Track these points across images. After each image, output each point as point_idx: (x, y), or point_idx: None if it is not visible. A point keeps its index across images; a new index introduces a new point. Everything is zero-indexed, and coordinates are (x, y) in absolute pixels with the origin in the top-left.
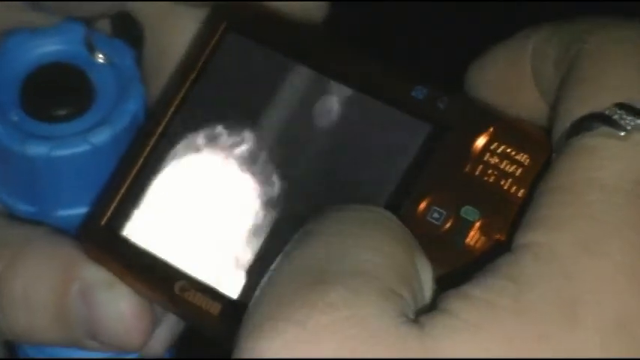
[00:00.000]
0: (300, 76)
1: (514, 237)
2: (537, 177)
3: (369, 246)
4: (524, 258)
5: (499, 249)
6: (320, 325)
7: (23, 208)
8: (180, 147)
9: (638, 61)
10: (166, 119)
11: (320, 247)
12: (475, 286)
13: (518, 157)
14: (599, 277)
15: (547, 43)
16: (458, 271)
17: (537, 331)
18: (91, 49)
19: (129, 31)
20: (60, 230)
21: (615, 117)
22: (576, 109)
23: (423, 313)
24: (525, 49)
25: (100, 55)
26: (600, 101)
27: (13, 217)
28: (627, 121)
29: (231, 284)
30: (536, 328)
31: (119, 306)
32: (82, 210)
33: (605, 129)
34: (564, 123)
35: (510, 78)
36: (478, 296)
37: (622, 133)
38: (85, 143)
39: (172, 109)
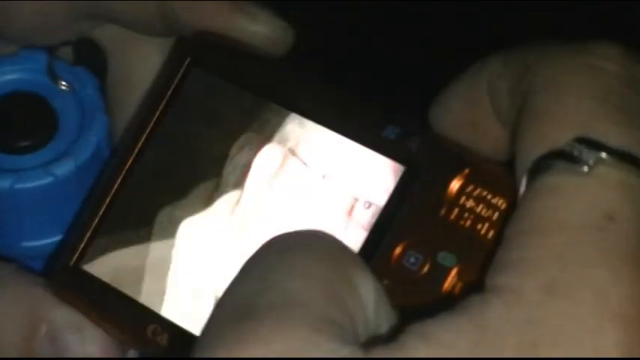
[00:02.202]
0: (267, 113)
1: (485, 278)
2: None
3: (295, 274)
4: (490, 301)
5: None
6: None
7: None
8: (148, 184)
9: (595, 90)
10: (133, 156)
11: (251, 281)
12: (438, 324)
13: (494, 201)
14: (565, 320)
15: (500, 76)
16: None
17: None
18: (54, 77)
19: (92, 58)
20: (27, 268)
21: (575, 153)
22: (535, 146)
23: (381, 341)
24: (480, 83)
25: (63, 83)
26: (559, 136)
27: None
28: (588, 156)
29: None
30: None
31: (88, 349)
32: (45, 241)
33: (566, 165)
34: (525, 162)
35: (471, 113)
36: (438, 336)
37: (585, 169)
38: (48, 175)
39: (140, 144)
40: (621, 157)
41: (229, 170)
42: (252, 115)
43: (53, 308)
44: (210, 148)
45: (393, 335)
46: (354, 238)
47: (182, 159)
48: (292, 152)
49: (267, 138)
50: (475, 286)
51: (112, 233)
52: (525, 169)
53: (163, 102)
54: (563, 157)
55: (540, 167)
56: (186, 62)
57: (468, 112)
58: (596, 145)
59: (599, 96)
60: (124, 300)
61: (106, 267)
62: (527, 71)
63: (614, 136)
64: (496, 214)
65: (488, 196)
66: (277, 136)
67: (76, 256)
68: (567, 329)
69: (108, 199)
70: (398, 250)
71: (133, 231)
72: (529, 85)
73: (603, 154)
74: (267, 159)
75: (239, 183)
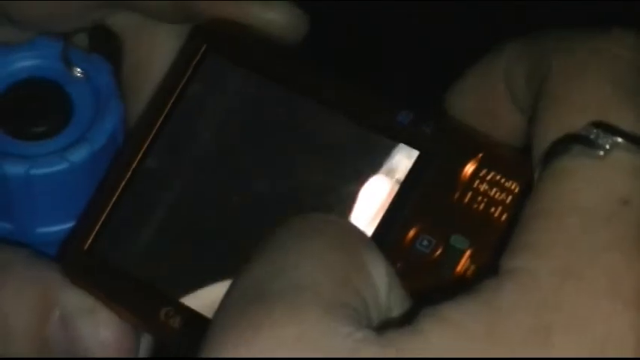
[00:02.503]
0: (282, 100)
1: (500, 261)
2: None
3: (308, 257)
4: (505, 284)
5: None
6: (269, 345)
7: (0, 226)
8: (162, 170)
9: (611, 75)
10: (148, 141)
11: (263, 265)
12: (454, 307)
13: (507, 185)
14: (579, 303)
15: (517, 62)
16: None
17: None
18: (68, 64)
19: (106, 45)
20: (40, 253)
21: (592, 137)
22: (552, 130)
23: (394, 324)
24: (497, 69)
25: (78, 70)
26: (575, 120)
27: None
28: (604, 140)
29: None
30: (508, 354)
31: (100, 333)
32: (59, 228)
33: (582, 149)
34: (541, 146)
35: (488, 100)
36: (453, 319)
37: (600, 153)
38: (63, 162)
39: (154, 130)
40: (637, 142)
41: (245, 158)
42: (267, 103)
43: (66, 292)
44: (224, 134)
45: (406, 318)
46: (367, 222)
47: (197, 145)
48: (306, 139)
49: (283, 125)
50: (489, 269)
51: (126, 218)
52: (541, 153)
53: (179, 88)
54: (579, 141)
55: (556, 151)
56: (202, 49)
57: (485, 100)
58: (612, 130)
59: (615, 81)
60: (136, 283)
61: (118, 250)
62: (544, 57)
63: (630, 122)
64: (509, 198)
65: (502, 180)
66: (292, 123)
67: (89, 240)
68: (581, 313)
69: (122, 184)
70: (411, 234)
71: (147, 215)
72: (546, 70)
73: (619, 139)
74: (282, 146)
75: (254, 170)
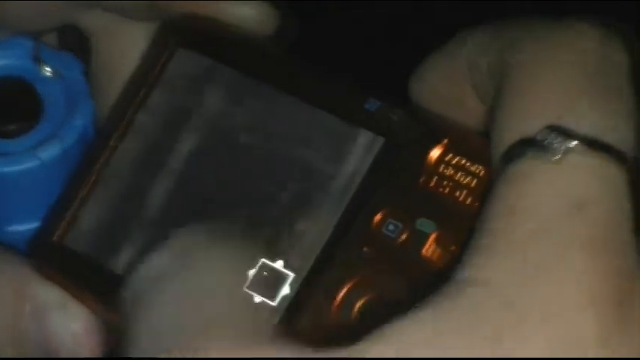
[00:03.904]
0: (250, 90)
1: (455, 269)
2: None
3: None
4: (460, 292)
5: (455, 260)
6: None
7: None
8: (132, 162)
9: (568, 74)
10: (118, 134)
11: None
12: (406, 324)
13: (473, 169)
14: (535, 303)
15: (479, 54)
16: (417, 283)
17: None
18: (39, 62)
19: (76, 43)
20: (10, 248)
21: (546, 142)
22: (508, 132)
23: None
24: (460, 58)
25: (48, 69)
26: (533, 122)
27: None
28: (559, 145)
29: None
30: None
31: (72, 326)
32: (31, 226)
33: (537, 153)
34: (499, 148)
35: (451, 87)
36: (403, 338)
37: (555, 157)
38: (34, 159)
39: (124, 123)
40: (592, 144)
41: (215, 149)
42: (237, 93)
43: (36, 286)
44: (194, 126)
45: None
46: (333, 208)
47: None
48: (275, 128)
49: (252, 115)
50: (453, 252)
51: (96, 210)
52: (499, 155)
53: (147, 82)
54: (534, 145)
55: (512, 155)
56: (171, 43)
57: (448, 87)
58: (567, 134)
59: (576, 80)
60: (106, 275)
61: (88, 243)
62: (505, 52)
63: (588, 121)
64: (475, 182)
65: (468, 164)
66: (260, 113)
67: (59, 232)
68: (536, 313)
69: (92, 178)
70: (377, 219)
71: (117, 208)
72: (506, 67)
73: (574, 143)
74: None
75: (225, 161)
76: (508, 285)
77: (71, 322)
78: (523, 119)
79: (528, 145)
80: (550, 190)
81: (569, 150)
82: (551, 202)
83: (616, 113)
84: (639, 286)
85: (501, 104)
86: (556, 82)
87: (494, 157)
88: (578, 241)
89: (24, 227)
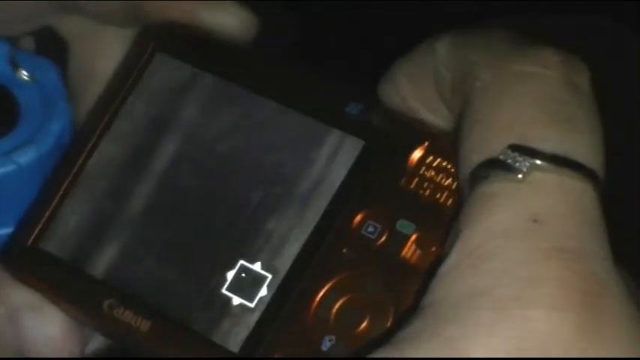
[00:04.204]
0: (230, 95)
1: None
2: None
3: None
4: (418, 318)
5: (435, 262)
6: None
7: None
8: (108, 167)
9: (530, 97)
10: (94, 138)
11: None
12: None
13: (453, 171)
14: (488, 317)
15: (444, 68)
16: (395, 285)
17: None
18: (15, 67)
19: (53, 48)
20: None
21: (509, 161)
22: (472, 155)
23: None
24: (427, 66)
25: (25, 73)
26: (495, 144)
27: None
28: (522, 164)
29: (160, 300)
30: None
31: (47, 329)
32: (5, 231)
33: (502, 173)
34: (464, 170)
35: (418, 92)
36: None
37: (519, 176)
38: (10, 163)
39: (101, 128)
40: (556, 161)
41: (194, 153)
42: (216, 98)
43: (11, 289)
44: (172, 131)
45: None
46: (314, 209)
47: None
48: (256, 132)
49: (232, 120)
50: (433, 254)
51: (71, 214)
52: (464, 177)
53: (126, 87)
54: (498, 165)
55: (477, 176)
56: (150, 48)
57: (416, 92)
58: (530, 152)
59: (537, 102)
60: (81, 277)
61: (63, 246)
62: (468, 71)
63: (551, 141)
64: (456, 183)
65: (449, 166)
66: (240, 118)
67: (33, 235)
68: (492, 325)
69: (67, 181)
70: (357, 221)
71: (92, 211)
72: (469, 88)
73: (537, 161)
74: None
75: (204, 165)
76: (455, 309)
77: (46, 325)
78: (487, 140)
79: (492, 166)
80: (509, 208)
81: (532, 167)
82: (507, 220)
83: (579, 132)
84: (610, 292)
85: (464, 130)
86: (518, 107)
87: (461, 181)
88: (536, 252)
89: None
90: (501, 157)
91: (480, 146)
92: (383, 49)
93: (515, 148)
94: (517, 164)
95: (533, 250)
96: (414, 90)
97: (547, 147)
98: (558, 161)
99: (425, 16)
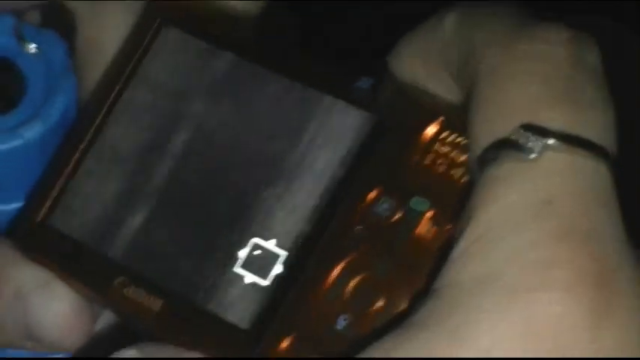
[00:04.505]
0: (238, 69)
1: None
2: None
3: None
4: (428, 302)
5: (449, 240)
6: None
7: None
8: (117, 142)
9: (538, 76)
10: (102, 114)
11: None
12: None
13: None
14: (501, 301)
15: (452, 45)
16: (410, 263)
17: None
18: (21, 40)
19: (59, 21)
20: None
21: (521, 141)
22: (483, 136)
23: None
24: (436, 41)
25: (31, 47)
26: (505, 124)
27: None
28: (534, 144)
29: (171, 278)
30: None
31: (55, 307)
32: (12, 206)
33: (513, 154)
34: (475, 151)
35: (427, 65)
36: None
37: (531, 156)
38: (17, 138)
39: (109, 101)
40: (568, 140)
41: (201, 127)
42: (224, 72)
43: (19, 267)
44: (180, 105)
45: None
46: (326, 186)
47: (152, 116)
48: (265, 107)
49: (240, 94)
50: (448, 231)
51: (80, 189)
52: (475, 158)
53: (133, 61)
54: (509, 145)
55: (487, 158)
56: (157, 21)
57: (425, 67)
58: (542, 132)
59: (546, 81)
60: (90, 255)
61: (73, 223)
62: (474, 51)
63: (562, 120)
64: None
65: (462, 142)
66: (249, 92)
67: (42, 212)
68: (506, 309)
69: (76, 156)
70: (370, 198)
71: (101, 187)
72: (475, 70)
73: (550, 140)
74: (240, 115)
75: (212, 139)
76: (469, 292)
77: (55, 303)
78: (497, 121)
79: (503, 147)
80: (522, 189)
81: (545, 148)
82: (521, 201)
83: (591, 110)
84: (623, 274)
85: (473, 110)
86: (527, 86)
87: (471, 160)
88: (547, 234)
89: (6, 207)
90: (513, 136)
91: (488, 128)
92: (382, 50)
93: (527, 127)
94: (529, 144)
95: (544, 231)
96: (424, 66)
97: (557, 126)
98: (570, 140)
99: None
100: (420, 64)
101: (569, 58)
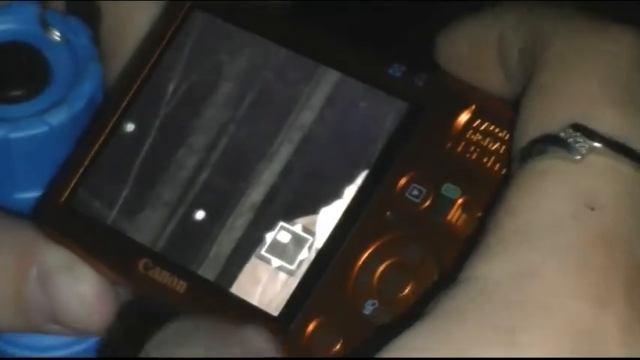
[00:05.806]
0: (270, 54)
1: (462, 269)
2: None
3: None
4: (461, 292)
5: (480, 228)
6: None
7: None
8: (141, 125)
9: (597, 74)
10: (128, 98)
11: None
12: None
13: (501, 135)
14: (541, 302)
15: (513, 34)
16: (439, 250)
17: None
18: (46, 27)
19: (84, 8)
20: (15, 213)
21: (569, 140)
22: (533, 125)
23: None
24: (492, 30)
25: (56, 34)
26: (557, 117)
27: None
28: (581, 145)
29: (197, 261)
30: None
31: (79, 289)
32: (38, 193)
33: (559, 151)
34: (521, 140)
35: (477, 55)
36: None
37: (577, 157)
38: (42, 124)
39: (135, 86)
40: (615, 146)
41: (231, 113)
42: (256, 58)
43: (43, 249)
44: (208, 90)
45: None
46: (357, 171)
47: (179, 101)
48: (299, 93)
49: (274, 80)
50: (479, 219)
51: (103, 172)
52: (520, 148)
53: (161, 46)
54: (557, 142)
55: (533, 151)
56: (186, 7)
57: (475, 53)
58: (591, 134)
59: (605, 80)
60: (115, 237)
61: (97, 205)
62: (540, 40)
63: (613, 123)
64: (503, 148)
65: (496, 130)
66: (282, 78)
67: (66, 194)
68: (544, 311)
69: (101, 140)
70: (401, 184)
71: (124, 169)
72: (538, 57)
73: (596, 144)
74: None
75: (242, 124)
76: (506, 287)
77: (79, 285)
78: (547, 115)
79: (551, 142)
80: (563, 188)
81: (591, 150)
82: (560, 201)
83: None
84: None
85: (527, 99)
86: (583, 86)
87: (514, 150)
88: (585, 238)
89: (32, 194)
90: (562, 134)
91: (540, 119)
92: (383, 50)
93: (578, 127)
94: (577, 145)
95: (581, 235)
96: (474, 51)
97: (607, 128)
98: (616, 147)
99: (425, 17)
100: (471, 49)
101: (631, 60)
